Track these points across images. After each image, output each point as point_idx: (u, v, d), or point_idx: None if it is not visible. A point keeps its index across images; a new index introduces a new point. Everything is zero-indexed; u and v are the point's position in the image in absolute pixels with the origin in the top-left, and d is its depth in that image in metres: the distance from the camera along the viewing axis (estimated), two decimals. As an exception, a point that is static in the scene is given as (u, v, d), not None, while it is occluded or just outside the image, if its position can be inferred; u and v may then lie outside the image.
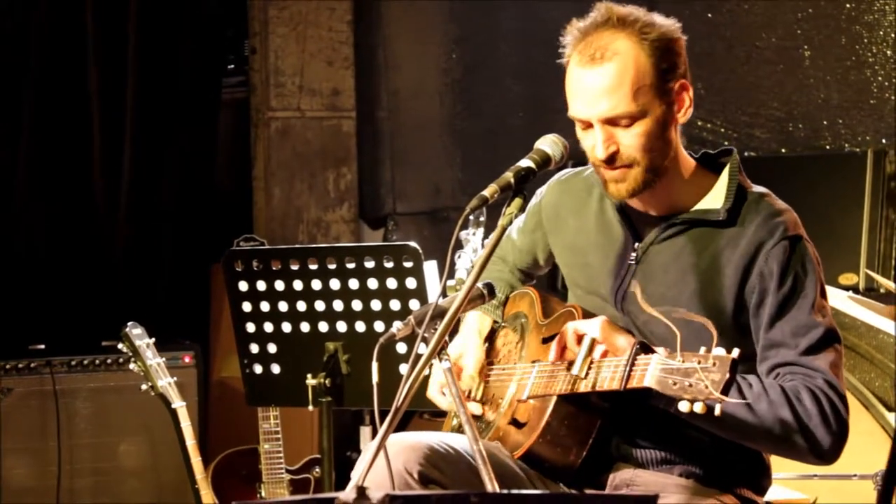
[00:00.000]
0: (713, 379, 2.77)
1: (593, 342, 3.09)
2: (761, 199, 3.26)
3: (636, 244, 3.31)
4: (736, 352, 2.81)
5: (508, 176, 3.07)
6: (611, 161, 3.19)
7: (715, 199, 3.26)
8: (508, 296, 3.66)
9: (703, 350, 2.82)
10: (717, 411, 2.80)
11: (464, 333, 3.61)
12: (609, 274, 3.34)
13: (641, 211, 3.33)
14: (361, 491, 1.93)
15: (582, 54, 3.19)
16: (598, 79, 3.16)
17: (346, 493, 2.03)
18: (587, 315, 3.26)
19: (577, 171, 3.52)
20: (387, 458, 2.99)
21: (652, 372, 2.88)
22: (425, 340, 3.00)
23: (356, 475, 3.19)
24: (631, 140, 3.18)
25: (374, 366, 3.00)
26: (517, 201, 3.05)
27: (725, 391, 2.77)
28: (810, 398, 3.08)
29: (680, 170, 3.28)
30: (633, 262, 3.30)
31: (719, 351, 2.80)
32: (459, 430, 3.58)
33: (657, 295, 3.21)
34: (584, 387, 3.08)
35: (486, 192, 3.04)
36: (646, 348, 2.99)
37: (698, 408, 2.79)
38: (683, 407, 2.81)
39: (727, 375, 2.77)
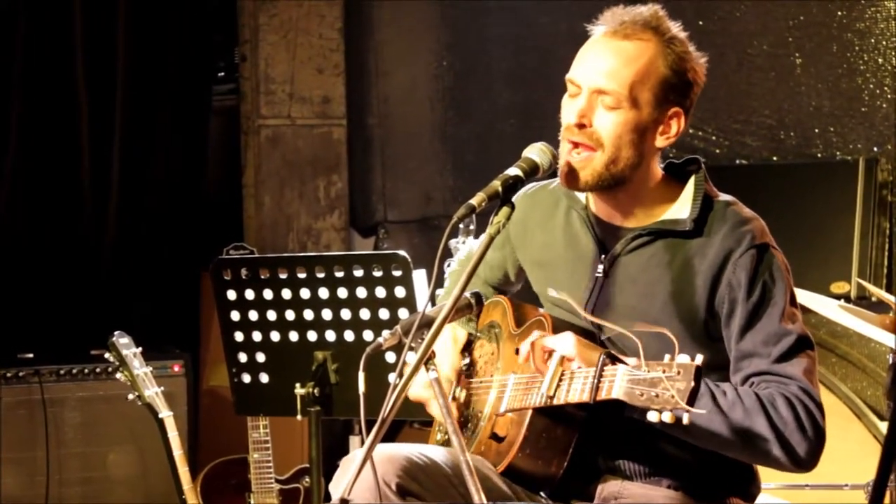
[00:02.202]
0: (678, 388, 2.76)
1: (562, 359, 3.07)
2: (728, 207, 3.25)
3: (603, 256, 3.30)
4: (699, 358, 2.79)
5: (496, 184, 3.06)
6: (579, 128, 3.18)
7: (681, 208, 3.25)
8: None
9: (667, 358, 2.80)
10: (686, 420, 2.78)
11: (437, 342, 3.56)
12: (577, 288, 3.32)
13: (608, 222, 3.32)
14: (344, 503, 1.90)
15: (610, 26, 3.21)
16: (611, 51, 3.18)
17: (329, 506, 2.00)
18: (556, 324, 3.25)
19: (543, 185, 3.49)
20: (373, 468, 2.98)
21: (619, 383, 2.86)
22: (413, 350, 2.98)
23: (336, 487, 3.17)
24: (605, 122, 3.18)
25: (361, 376, 2.99)
26: (505, 210, 3.03)
27: (691, 400, 2.75)
28: (786, 405, 3.07)
29: (646, 181, 3.27)
30: (600, 275, 3.29)
31: (683, 358, 2.79)
32: (445, 443, 3.55)
33: (627, 307, 3.21)
34: (556, 400, 3.06)
35: (474, 201, 3.02)
36: (614, 359, 2.96)
37: (667, 417, 2.78)
38: (652, 417, 2.80)
39: (692, 384, 2.75)
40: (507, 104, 6.66)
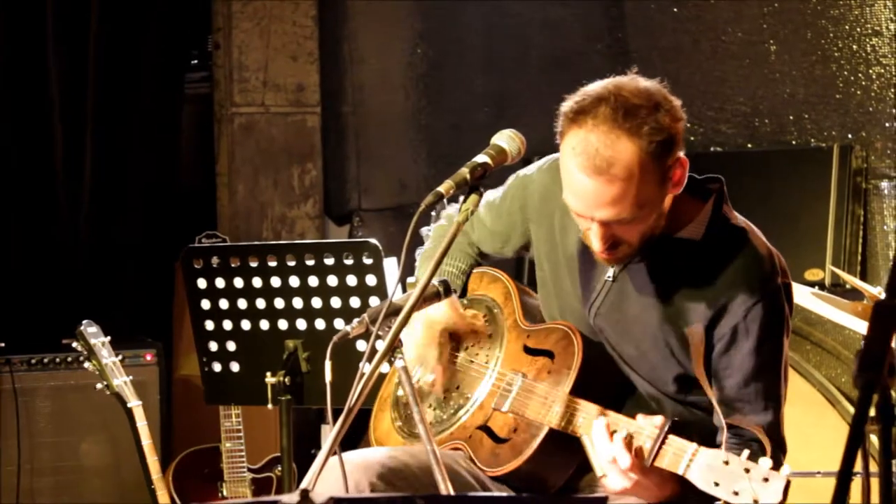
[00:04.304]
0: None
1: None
2: (744, 235, 3.21)
3: None
4: (787, 469, 2.86)
5: (464, 172, 3.05)
6: (611, 249, 3.12)
7: (696, 229, 3.20)
8: (472, 267, 3.59)
9: (746, 454, 2.85)
10: None
11: (421, 337, 3.42)
12: (584, 285, 3.29)
13: None
14: (305, 494, 1.89)
15: (584, 157, 2.99)
16: (601, 189, 3.00)
17: (290, 496, 1.99)
18: (587, 341, 3.21)
19: None
20: (340, 457, 2.97)
21: (698, 468, 2.88)
22: (380, 338, 2.96)
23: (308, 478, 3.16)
24: (631, 233, 3.11)
25: (328, 364, 2.98)
26: (473, 197, 3.03)
27: None
28: None
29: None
30: (609, 279, 3.26)
31: (770, 463, 2.84)
32: (401, 428, 3.50)
33: (631, 315, 3.21)
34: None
35: (442, 189, 3.02)
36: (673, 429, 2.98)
37: None
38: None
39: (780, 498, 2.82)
40: (482, 92, 6.63)
